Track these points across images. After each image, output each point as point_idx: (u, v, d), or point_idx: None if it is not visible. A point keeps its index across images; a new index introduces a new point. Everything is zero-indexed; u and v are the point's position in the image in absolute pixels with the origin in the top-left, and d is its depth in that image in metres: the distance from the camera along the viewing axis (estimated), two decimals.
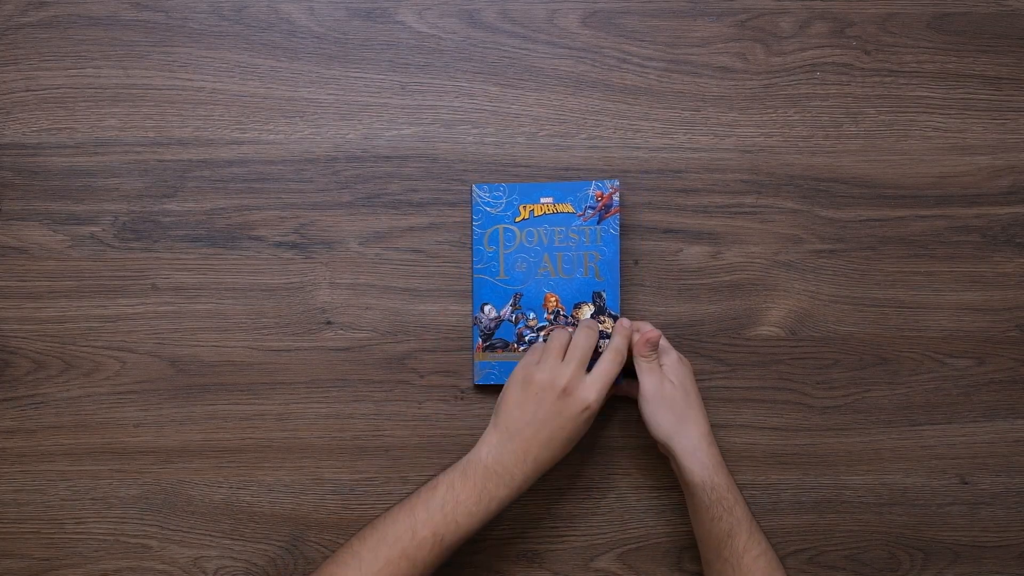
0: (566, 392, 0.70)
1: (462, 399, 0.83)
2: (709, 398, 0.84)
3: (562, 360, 0.73)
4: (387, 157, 0.82)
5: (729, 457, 0.83)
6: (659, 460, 0.84)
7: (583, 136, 0.83)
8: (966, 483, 0.84)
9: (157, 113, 0.82)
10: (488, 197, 0.80)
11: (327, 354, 0.82)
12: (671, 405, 0.74)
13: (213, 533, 0.82)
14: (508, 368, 0.80)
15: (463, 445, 0.82)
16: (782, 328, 0.83)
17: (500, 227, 0.79)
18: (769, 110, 0.83)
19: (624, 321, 0.76)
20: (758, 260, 0.83)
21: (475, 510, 0.69)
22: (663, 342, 0.78)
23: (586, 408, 0.70)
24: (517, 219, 0.79)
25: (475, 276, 0.80)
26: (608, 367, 0.73)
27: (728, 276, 0.83)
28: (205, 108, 0.82)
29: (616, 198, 0.80)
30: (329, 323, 0.82)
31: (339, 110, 0.82)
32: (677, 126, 0.83)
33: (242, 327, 0.82)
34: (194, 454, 0.82)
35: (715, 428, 0.84)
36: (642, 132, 0.83)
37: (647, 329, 0.77)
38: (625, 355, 0.74)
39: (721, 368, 0.83)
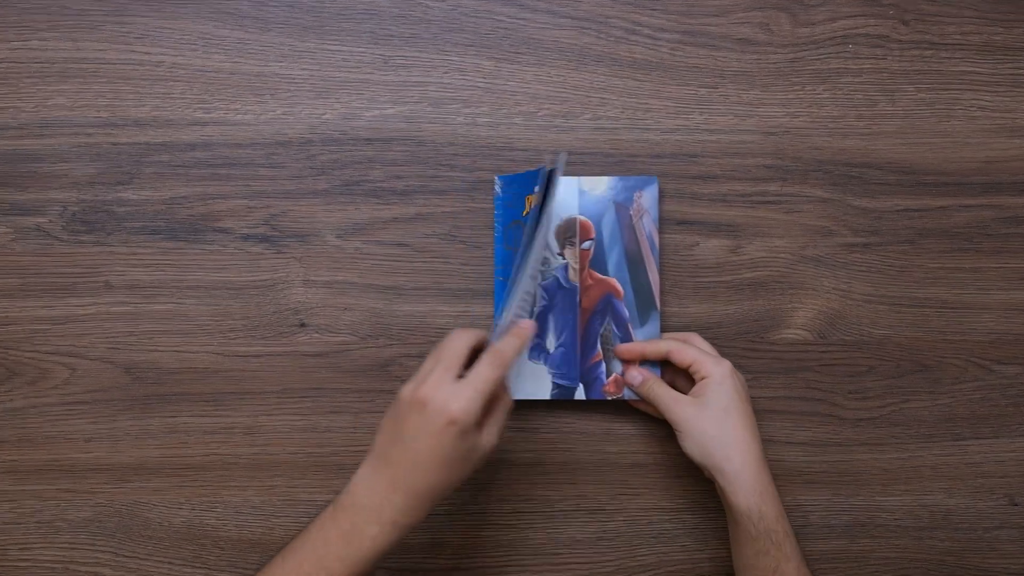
0: (423, 404, 0.63)
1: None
2: None
3: (449, 373, 0.66)
4: (368, 140, 0.79)
5: None
6: (674, 478, 0.79)
7: (587, 116, 0.79)
8: (1016, 504, 0.80)
9: (111, 91, 0.78)
10: (503, 191, 0.77)
11: (301, 360, 0.78)
12: (713, 421, 0.70)
13: (173, 560, 0.78)
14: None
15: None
16: (810, 331, 0.79)
17: (516, 223, 0.77)
18: (795, 87, 0.80)
19: (525, 323, 0.69)
20: (783, 255, 0.79)
21: (345, 553, 0.63)
22: (708, 347, 0.75)
23: (450, 421, 0.62)
24: (524, 212, 0.76)
25: (496, 279, 0.78)
26: (482, 371, 0.64)
27: (750, 273, 0.79)
28: (164, 85, 0.78)
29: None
30: (303, 325, 0.78)
31: (314, 87, 0.78)
32: (692, 105, 0.79)
33: (206, 330, 0.78)
34: (152, 472, 0.77)
35: None
36: (653, 112, 0.79)
37: (632, 373, 0.75)
38: (508, 358, 0.66)
39: (742, 375, 0.77)
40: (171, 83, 0.78)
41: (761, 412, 0.79)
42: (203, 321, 0.78)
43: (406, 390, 0.65)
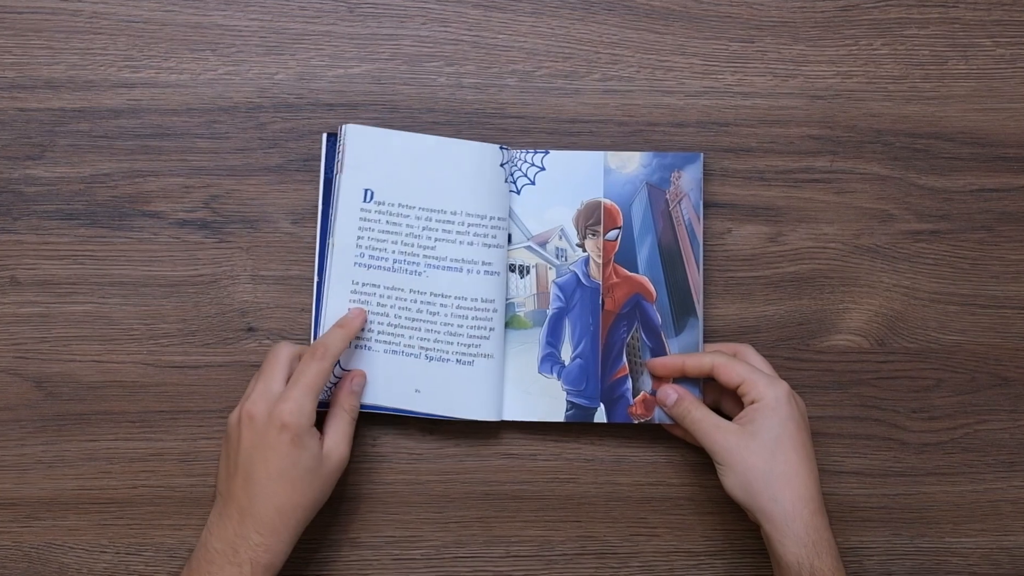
0: (250, 419, 0.65)
1: (432, 435, 0.74)
2: None
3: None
4: (330, 105, 0.75)
5: None
6: (701, 515, 0.75)
7: (595, 77, 0.76)
8: None
9: (17, 46, 0.75)
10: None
11: (248, 371, 0.74)
12: (761, 454, 0.67)
13: None
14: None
15: (431, 495, 0.74)
16: (865, 337, 0.76)
17: None
18: (848, 41, 0.77)
19: (354, 311, 0.70)
20: (833, 245, 0.77)
21: None
22: (763, 364, 0.71)
23: (282, 427, 0.64)
24: None
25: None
26: (304, 367, 0.66)
27: (792, 266, 0.76)
28: (83, 39, 0.75)
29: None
30: (251, 330, 0.74)
31: (264, 41, 0.75)
32: (723, 63, 0.76)
33: (133, 335, 0.74)
34: (68, 508, 0.74)
35: None
36: (676, 71, 0.76)
37: (666, 391, 0.72)
38: (333, 349, 0.68)
39: None
40: (91, 36, 0.75)
41: None
42: (130, 325, 0.75)
43: (232, 416, 0.66)
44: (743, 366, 0.69)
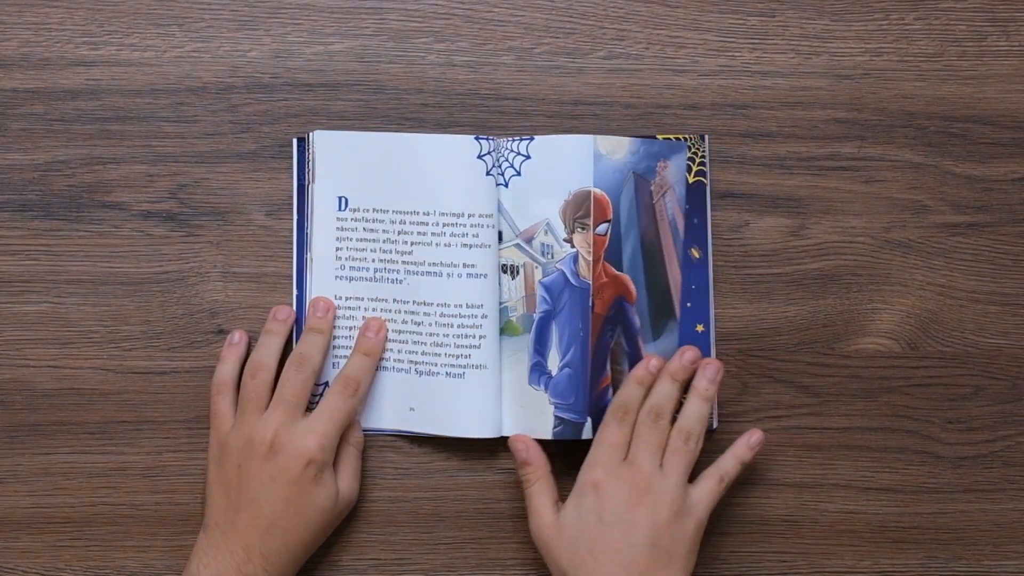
0: (273, 449, 0.64)
1: (421, 448, 0.72)
2: (787, 445, 0.73)
3: (264, 411, 0.67)
4: (308, 86, 0.73)
5: (820, 532, 0.72)
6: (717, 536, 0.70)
7: (600, 55, 0.73)
8: None
9: None
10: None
11: None
12: (564, 556, 0.64)
13: None
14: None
15: (420, 514, 0.71)
16: (897, 340, 0.74)
17: None
18: (878, 15, 0.75)
19: (372, 326, 0.69)
20: (861, 239, 0.74)
21: None
22: (702, 401, 0.67)
23: (309, 462, 0.64)
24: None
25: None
26: (333, 402, 0.66)
27: (816, 262, 0.74)
28: (37, 12, 0.72)
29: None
30: (222, 332, 0.72)
31: (236, 15, 0.73)
32: (740, 39, 0.74)
33: (92, 338, 0.72)
34: (21, 527, 0.72)
35: (796, 488, 0.72)
36: (688, 48, 0.74)
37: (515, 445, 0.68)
38: (363, 383, 0.67)
39: (806, 400, 0.74)
40: (46, 10, 0.73)
41: (831, 448, 0.73)
42: (88, 326, 0.73)
43: (237, 442, 0.65)
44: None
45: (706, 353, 0.69)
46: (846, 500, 0.73)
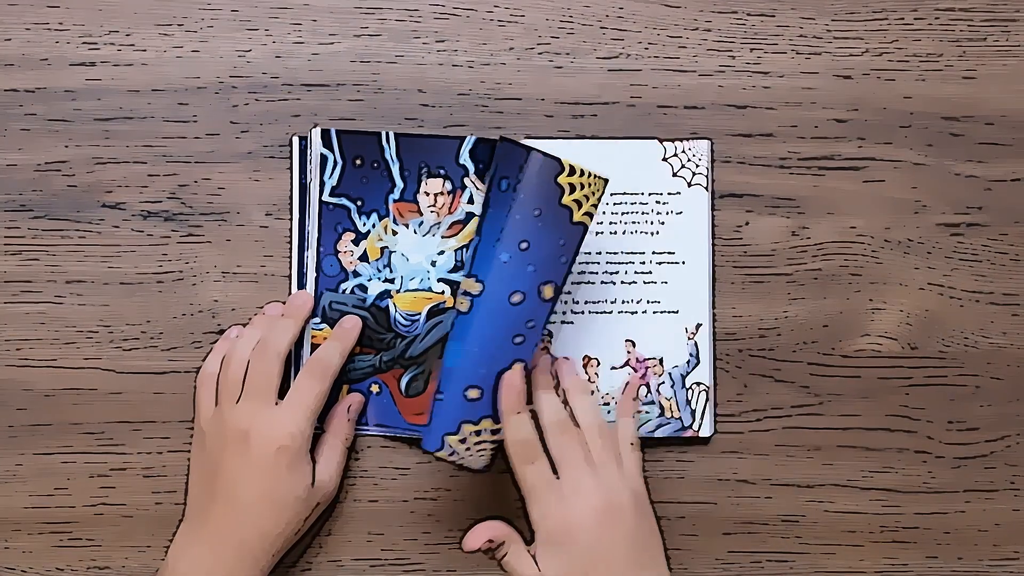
0: (244, 438, 0.64)
1: (420, 446, 0.70)
2: (787, 445, 0.73)
3: (239, 397, 0.67)
4: (308, 86, 0.72)
5: (819, 533, 0.73)
6: (706, 537, 0.71)
7: (600, 54, 0.73)
8: None
9: None
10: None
11: None
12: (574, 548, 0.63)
13: None
14: None
15: (420, 514, 0.71)
16: (897, 339, 0.74)
17: None
18: (878, 15, 0.74)
19: (349, 321, 0.69)
20: (861, 239, 0.74)
21: None
22: (587, 408, 0.67)
23: (279, 448, 0.64)
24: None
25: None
26: (302, 384, 0.66)
27: (816, 262, 0.74)
28: (36, 12, 0.72)
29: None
30: (222, 332, 0.72)
31: (237, 15, 0.72)
32: (739, 39, 0.74)
33: (93, 339, 0.72)
34: (21, 527, 0.72)
35: (796, 489, 0.72)
36: (688, 47, 0.74)
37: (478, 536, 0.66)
38: (331, 366, 0.67)
39: (806, 399, 0.74)
40: (45, 10, 0.72)
41: (831, 448, 0.73)
42: (89, 327, 0.72)
43: (213, 428, 0.65)
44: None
45: (697, 353, 0.70)
46: (846, 500, 0.73)
